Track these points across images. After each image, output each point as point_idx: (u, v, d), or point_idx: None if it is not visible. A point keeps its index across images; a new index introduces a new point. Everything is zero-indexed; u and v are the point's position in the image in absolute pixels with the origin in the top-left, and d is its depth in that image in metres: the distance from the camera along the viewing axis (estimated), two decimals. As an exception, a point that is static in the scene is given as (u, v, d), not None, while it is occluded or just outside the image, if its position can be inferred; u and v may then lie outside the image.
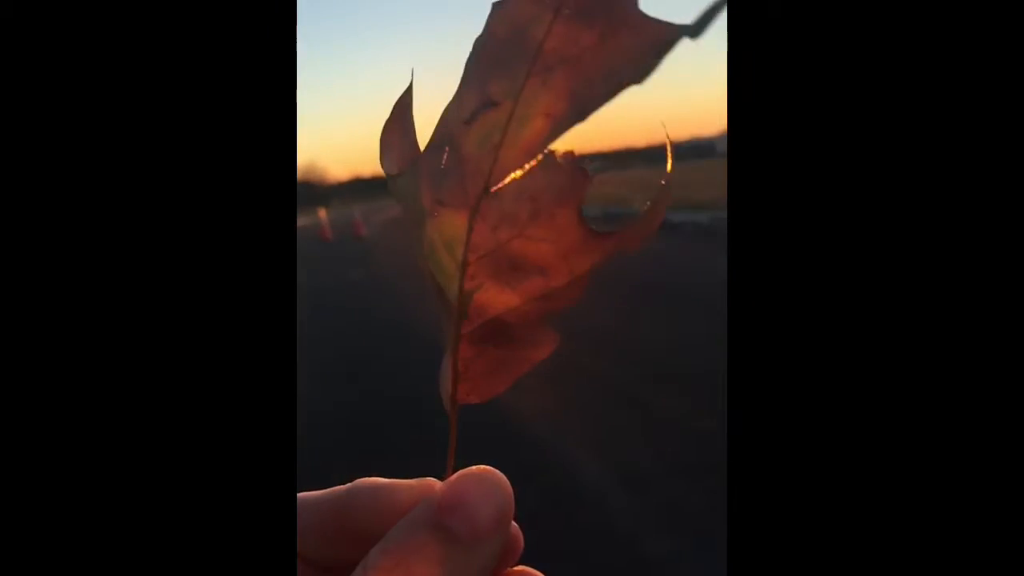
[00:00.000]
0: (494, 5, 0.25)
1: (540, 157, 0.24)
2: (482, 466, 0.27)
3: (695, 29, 0.21)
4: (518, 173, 0.25)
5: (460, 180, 0.25)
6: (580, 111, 0.23)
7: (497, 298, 0.27)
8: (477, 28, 0.26)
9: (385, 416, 3.43)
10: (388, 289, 7.41)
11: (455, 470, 0.28)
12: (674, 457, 2.61)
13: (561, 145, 0.24)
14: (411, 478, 0.31)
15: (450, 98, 0.27)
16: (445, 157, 0.26)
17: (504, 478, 0.27)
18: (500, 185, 0.25)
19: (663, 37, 0.22)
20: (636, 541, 2.12)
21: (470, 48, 0.26)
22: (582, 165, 0.24)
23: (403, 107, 0.28)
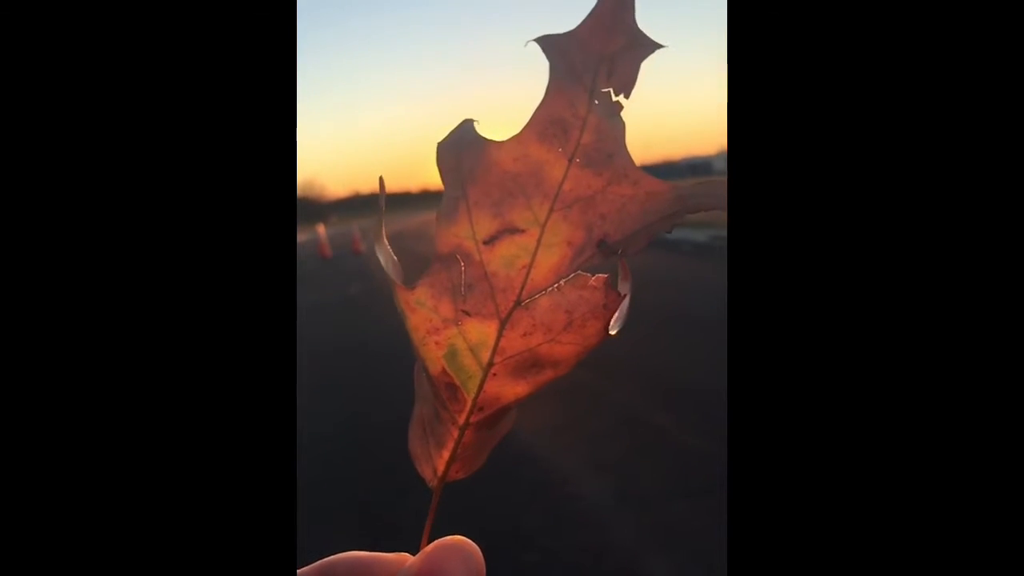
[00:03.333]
0: (479, 138, 0.29)
1: (571, 277, 0.29)
2: (456, 536, 0.30)
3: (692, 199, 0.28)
4: (548, 290, 0.30)
5: (488, 294, 0.30)
6: (597, 242, 0.29)
7: (512, 390, 0.32)
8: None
9: (384, 433, 3.44)
10: (386, 304, 7.44)
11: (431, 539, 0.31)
12: (672, 475, 2.65)
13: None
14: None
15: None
16: (464, 272, 0.30)
17: (476, 548, 0.30)
18: (530, 300, 0.30)
19: (654, 189, 0.28)
20: (636, 560, 2.15)
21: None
22: (614, 286, 0.29)
23: (377, 227, 0.31)
